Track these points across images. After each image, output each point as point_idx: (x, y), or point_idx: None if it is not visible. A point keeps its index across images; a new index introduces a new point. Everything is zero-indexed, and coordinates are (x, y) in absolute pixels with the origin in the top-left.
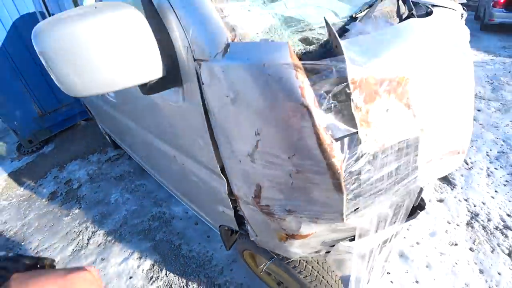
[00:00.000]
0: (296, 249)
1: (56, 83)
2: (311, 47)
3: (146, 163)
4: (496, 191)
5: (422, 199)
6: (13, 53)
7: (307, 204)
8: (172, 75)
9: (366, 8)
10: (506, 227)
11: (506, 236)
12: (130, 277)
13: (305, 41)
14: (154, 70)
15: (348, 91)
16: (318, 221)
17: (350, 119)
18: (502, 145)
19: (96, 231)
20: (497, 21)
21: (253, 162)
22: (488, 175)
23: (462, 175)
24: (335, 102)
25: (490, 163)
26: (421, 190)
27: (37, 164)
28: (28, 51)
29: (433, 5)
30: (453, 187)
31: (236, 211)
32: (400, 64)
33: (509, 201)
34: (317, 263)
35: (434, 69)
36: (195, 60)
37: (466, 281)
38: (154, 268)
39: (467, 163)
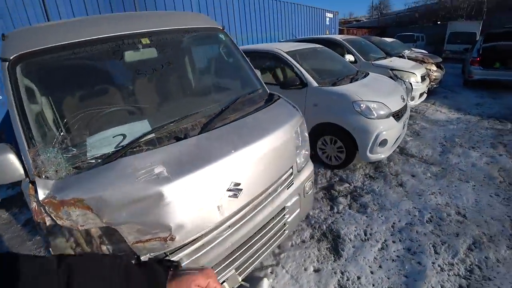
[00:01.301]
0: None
1: None
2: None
3: None
4: (380, 266)
5: (173, 263)
6: None
7: None
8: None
9: (141, 137)
10: None
11: None
12: None
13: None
14: (20, 177)
15: (44, 205)
16: None
17: (49, 216)
18: (414, 215)
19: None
20: (476, 78)
21: None
22: (382, 248)
23: (353, 247)
24: (48, 209)
25: (391, 235)
26: (159, 258)
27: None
28: None
29: (392, 69)
30: (338, 258)
31: None
32: (82, 193)
33: (388, 278)
34: None
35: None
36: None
37: None
38: None
39: (365, 234)
